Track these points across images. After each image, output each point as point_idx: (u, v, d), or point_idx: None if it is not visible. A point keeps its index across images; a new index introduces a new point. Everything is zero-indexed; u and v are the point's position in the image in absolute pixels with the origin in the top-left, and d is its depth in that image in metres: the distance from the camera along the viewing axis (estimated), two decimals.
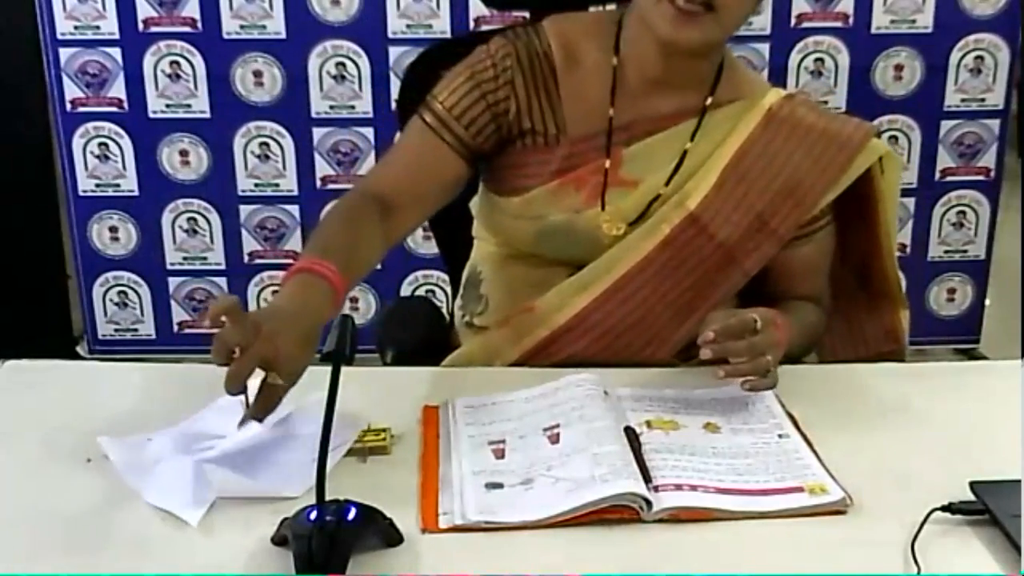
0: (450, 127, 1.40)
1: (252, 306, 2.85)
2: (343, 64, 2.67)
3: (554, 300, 1.41)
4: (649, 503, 1.05)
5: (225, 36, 2.65)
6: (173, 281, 2.87)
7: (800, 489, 1.09)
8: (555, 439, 1.17)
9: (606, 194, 1.40)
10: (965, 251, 2.89)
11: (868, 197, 1.45)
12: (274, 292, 2.83)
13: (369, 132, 2.73)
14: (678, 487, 1.08)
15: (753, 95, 1.43)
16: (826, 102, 2.70)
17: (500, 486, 1.10)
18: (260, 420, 1.08)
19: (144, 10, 2.62)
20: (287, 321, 1.09)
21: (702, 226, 1.38)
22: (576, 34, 1.42)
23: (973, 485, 1.06)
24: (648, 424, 1.20)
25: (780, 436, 1.20)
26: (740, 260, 1.40)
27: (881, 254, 1.48)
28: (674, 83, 1.40)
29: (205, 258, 2.84)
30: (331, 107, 2.71)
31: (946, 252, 2.89)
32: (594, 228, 1.40)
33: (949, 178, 2.82)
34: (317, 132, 2.73)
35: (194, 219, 2.80)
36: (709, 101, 1.41)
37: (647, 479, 1.09)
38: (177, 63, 2.66)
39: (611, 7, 1.57)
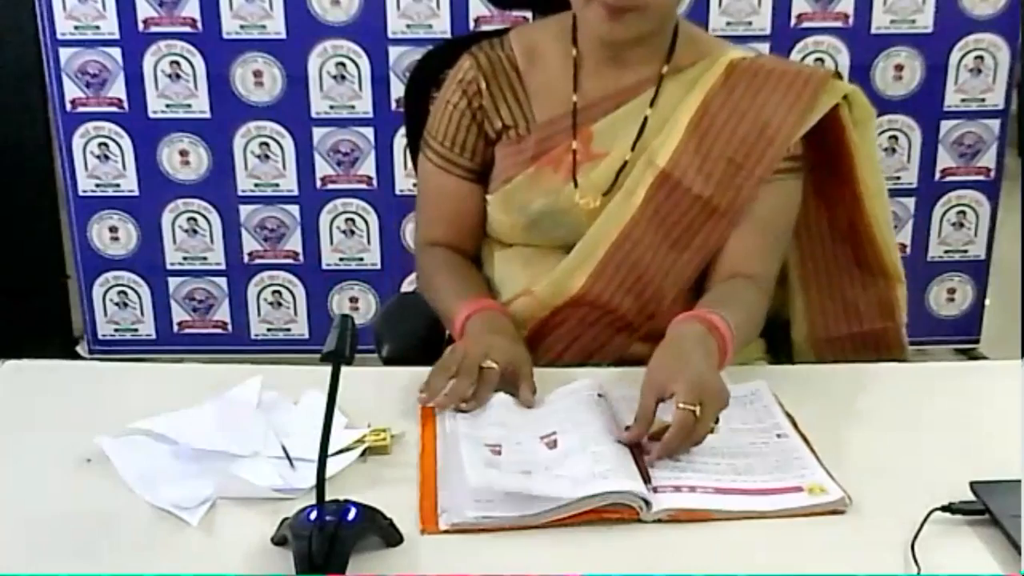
0: (455, 162, 1.51)
1: (252, 306, 2.86)
2: (343, 64, 2.66)
3: (549, 285, 1.45)
4: (648, 504, 1.05)
5: (225, 36, 2.64)
6: (173, 281, 2.86)
7: (799, 489, 1.09)
8: (552, 445, 1.16)
9: (578, 170, 1.45)
10: (965, 251, 2.88)
11: (844, 155, 1.45)
12: (274, 292, 2.84)
13: (369, 132, 2.72)
14: (677, 488, 1.08)
15: (713, 55, 1.47)
16: None
17: (499, 467, 1.10)
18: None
19: (144, 10, 2.62)
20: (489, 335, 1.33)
21: (675, 181, 1.42)
22: (538, 36, 1.51)
23: (973, 485, 1.07)
24: None
25: (779, 436, 1.20)
26: (721, 208, 1.42)
27: (865, 219, 1.48)
28: (630, 59, 1.45)
29: (205, 258, 2.84)
30: (331, 107, 2.70)
31: (946, 252, 2.88)
32: (572, 206, 1.45)
33: (949, 178, 2.81)
34: (317, 132, 2.73)
35: (194, 219, 2.80)
36: (665, 69, 1.45)
37: (646, 479, 1.09)
38: (177, 63, 2.66)
39: None
